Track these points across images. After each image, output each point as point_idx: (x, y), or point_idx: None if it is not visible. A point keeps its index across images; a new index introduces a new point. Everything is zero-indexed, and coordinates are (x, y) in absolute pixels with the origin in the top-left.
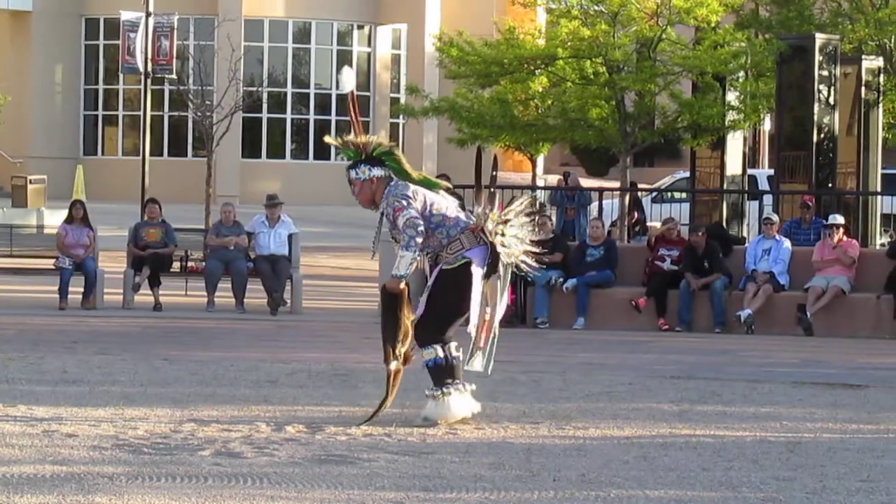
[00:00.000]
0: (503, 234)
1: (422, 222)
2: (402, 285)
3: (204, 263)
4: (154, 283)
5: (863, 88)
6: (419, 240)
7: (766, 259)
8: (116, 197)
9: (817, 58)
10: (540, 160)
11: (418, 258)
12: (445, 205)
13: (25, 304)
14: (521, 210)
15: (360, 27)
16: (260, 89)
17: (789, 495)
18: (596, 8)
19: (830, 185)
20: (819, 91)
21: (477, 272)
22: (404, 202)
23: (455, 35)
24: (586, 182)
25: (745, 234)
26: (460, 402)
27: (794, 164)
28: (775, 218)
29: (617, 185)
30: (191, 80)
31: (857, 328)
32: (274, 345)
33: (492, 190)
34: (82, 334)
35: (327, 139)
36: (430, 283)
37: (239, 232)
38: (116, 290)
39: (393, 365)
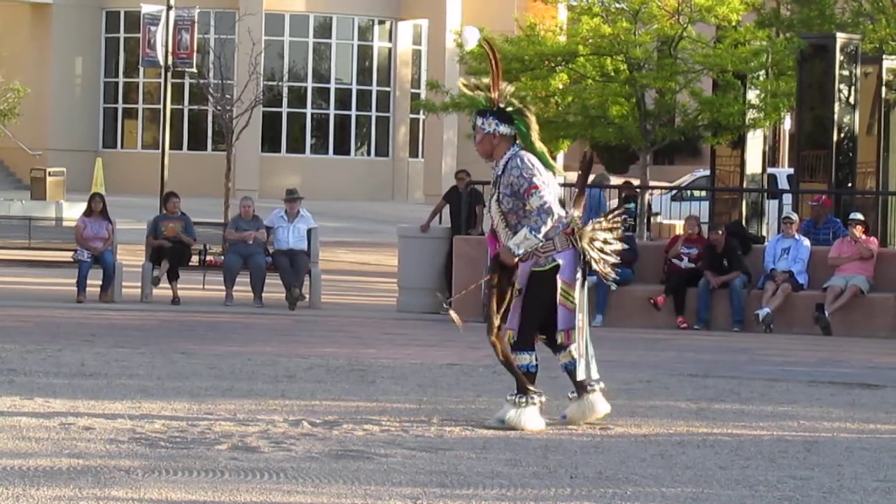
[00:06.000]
0: (593, 242)
1: (554, 211)
2: (515, 261)
3: (222, 257)
4: (172, 277)
5: (883, 88)
6: (546, 229)
7: (786, 258)
8: (135, 190)
9: (838, 57)
10: (560, 157)
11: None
12: (552, 200)
13: (44, 296)
14: (613, 223)
15: (381, 22)
16: (280, 84)
17: (806, 494)
18: (617, 5)
19: (850, 184)
20: (839, 90)
21: (562, 278)
22: (540, 182)
23: None
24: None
25: (764, 232)
26: (537, 415)
27: (814, 163)
28: (795, 217)
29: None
30: (211, 74)
31: (876, 328)
32: (292, 339)
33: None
34: (100, 327)
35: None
36: (522, 284)
37: (258, 226)
38: (135, 283)
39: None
